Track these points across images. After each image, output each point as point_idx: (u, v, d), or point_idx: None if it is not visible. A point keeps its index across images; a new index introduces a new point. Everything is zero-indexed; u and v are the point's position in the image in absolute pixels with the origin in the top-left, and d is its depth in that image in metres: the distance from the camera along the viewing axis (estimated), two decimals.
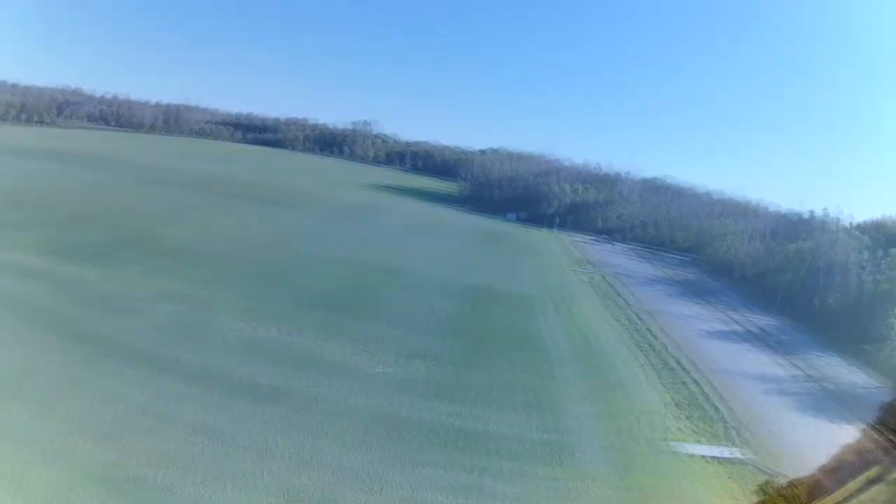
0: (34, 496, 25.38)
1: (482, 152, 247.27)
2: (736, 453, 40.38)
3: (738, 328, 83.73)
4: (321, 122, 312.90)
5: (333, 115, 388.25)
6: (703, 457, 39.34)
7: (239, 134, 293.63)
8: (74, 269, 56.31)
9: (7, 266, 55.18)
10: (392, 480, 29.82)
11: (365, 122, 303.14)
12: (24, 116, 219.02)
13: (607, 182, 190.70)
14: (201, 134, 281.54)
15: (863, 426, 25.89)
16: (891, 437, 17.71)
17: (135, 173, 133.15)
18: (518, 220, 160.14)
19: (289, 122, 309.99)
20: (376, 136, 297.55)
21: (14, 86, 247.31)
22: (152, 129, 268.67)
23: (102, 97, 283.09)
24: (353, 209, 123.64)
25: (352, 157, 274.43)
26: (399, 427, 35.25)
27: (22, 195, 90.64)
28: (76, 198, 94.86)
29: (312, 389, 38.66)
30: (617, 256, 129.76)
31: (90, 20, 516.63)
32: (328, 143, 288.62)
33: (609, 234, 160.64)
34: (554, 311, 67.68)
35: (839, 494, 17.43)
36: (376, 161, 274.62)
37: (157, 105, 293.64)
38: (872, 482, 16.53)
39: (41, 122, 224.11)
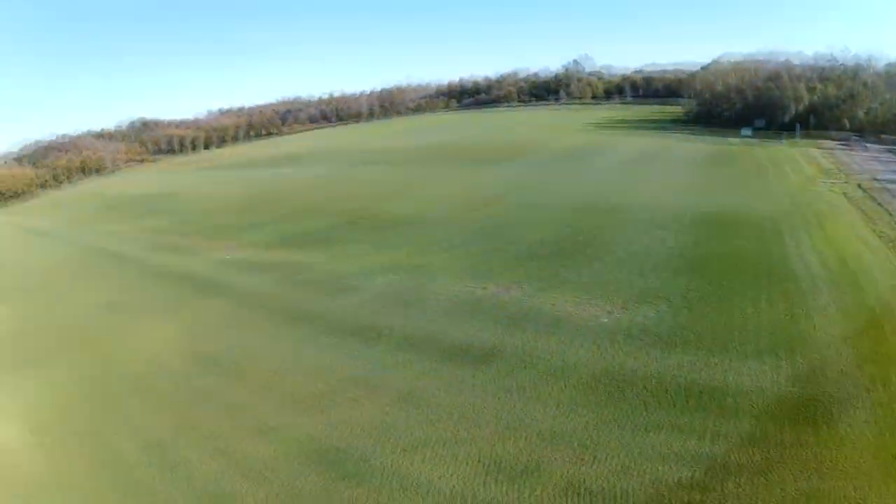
0: (243, 469, 28.64)
1: (704, 67, 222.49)
2: None
3: None
4: (532, 71, 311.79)
5: (544, 61, 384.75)
6: None
7: (454, 101, 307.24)
8: (299, 257, 64.56)
9: (239, 264, 66.33)
10: (609, 448, 26.02)
11: (576, 62, 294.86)
12: (252, 133, 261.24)
13: (847, 74, 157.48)
14: (417, 110, 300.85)
15: None
16: None
17: (353, 159, 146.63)
18: (753, 133, 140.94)
19: (500, 79, 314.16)
20: (591, 74, 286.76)
21: (241, 108, 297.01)
22: (370, 116, 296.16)
23: (320, 98, 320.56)
24: (571, 152, 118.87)
25: (569, 100, 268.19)
26: (622, 383, 31.07)
27: (250, 200, 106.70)
28: (300, 192, 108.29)
29: (528, 346, 36.29)
30: (871, 160, 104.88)
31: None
32: (542, 91, 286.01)
33: (858, 133, 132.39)
34: (804, 233, 55.55)
35: None
36: (595, 99, 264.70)
37: (371, 93, 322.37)
38: None
39: (269, 134, 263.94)
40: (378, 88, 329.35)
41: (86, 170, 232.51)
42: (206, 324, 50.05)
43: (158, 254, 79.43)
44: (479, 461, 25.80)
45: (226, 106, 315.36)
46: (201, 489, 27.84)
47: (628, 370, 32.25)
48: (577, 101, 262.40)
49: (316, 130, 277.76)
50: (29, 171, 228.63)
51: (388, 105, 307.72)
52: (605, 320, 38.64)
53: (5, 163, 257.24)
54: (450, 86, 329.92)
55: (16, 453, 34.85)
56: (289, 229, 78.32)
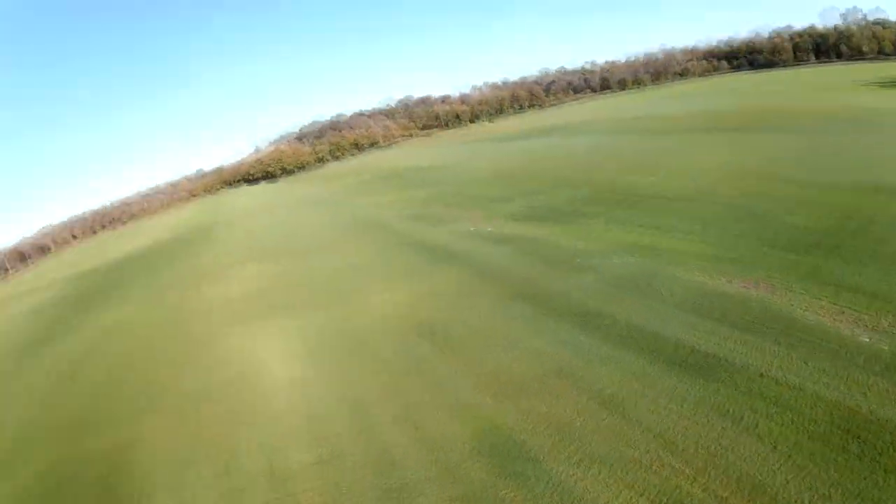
0: (421, 443, 29.57)
1: None
2: None
3: None
4: (809, 25, 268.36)
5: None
6: None
7: (724, 63, 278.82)
8: (540, 231, 63.92)
9: (482, 236, 68.38)
10: None
11: (855, 9, 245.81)
12: (515, 105, 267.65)
13: None
14: (683, 74, 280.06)
15: None
16: None
17: (610, 129, 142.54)
18: None
19: (771, 36, 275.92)
20: (874, 24, 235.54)
21: (504, 82, 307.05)
22: (635, 83, 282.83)
23: (583, 68, 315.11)
24: (852, 118, 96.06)
25: (856, 56, 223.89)
26: (864, 435, 23.10)
27: (506, 172, 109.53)
28: (553, 164, 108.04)
29: (762, 362, 29.69)
30: None
31: None
32: (820, 46, 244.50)
33: None
34: None
35: None
36: (882, 54, 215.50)
37: (635, 59, 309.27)
38: None
39: (532, 106, 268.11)
40: (642, 53, 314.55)
41: (359, 145, 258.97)
42: (436, 293, 52.29)
43: (411, 223, 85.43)
44: (656, 496, 22.04)
45: (490, 80, 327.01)
46: (376, 454, 29.50)
47: (877, 418, 24.18)
48: (864, 57, 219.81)
49: (578, 101, 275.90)
50: (307, 148, 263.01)
51: (652, 71, 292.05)
52: (866, 340, 29.67)
53: (287, 142, 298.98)
54: (717, 46, 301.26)
55: (242, 386, 42.68)
56: (535, 202, 78.30)
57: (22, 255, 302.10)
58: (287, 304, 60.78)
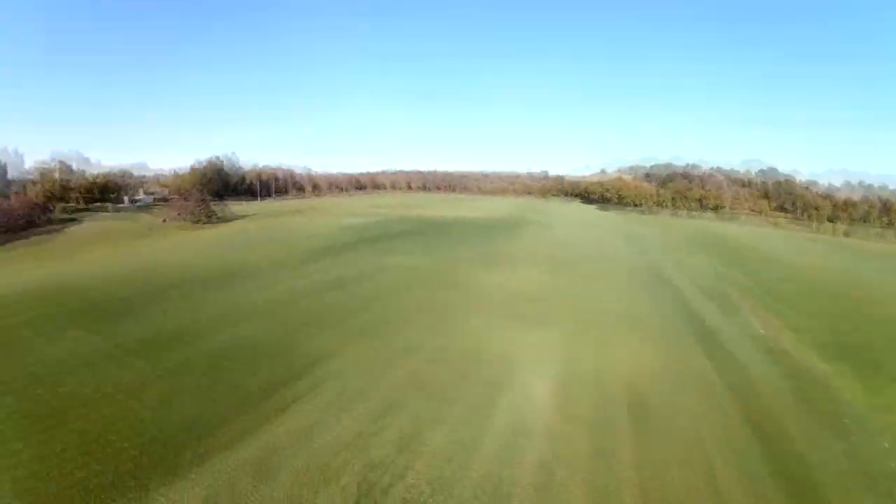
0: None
1: None
2: None
3: None
4: None
5: None
6: None
7: None
8: (826, 365, 53.29)
9: (765, 343, 59.30)
10: None
11: None
12: (884, 219, 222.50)
13: None
14: None
15: None
16: None
17: None
18: None
19: None
20: None
21: (883, 187, 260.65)
22: None
23: None
24: None
25: None
26: None
27: (832, 288, 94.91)
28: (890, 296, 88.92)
29: None
30: None
31: None
32: None
33: None
34: None
35: None
36: None
37: None
38: None
39: None
40: None
41: (703, 204, 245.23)
42: (672, 376, 47.53)
43: (702, 298, 79.98)
44: None
45: (866, 177, 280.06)
46: (491, 489, 29.33)
47: None
48: None
49: None
50: (650, 188, 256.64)
51: None
52: None
53: (635, 175, 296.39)
54: None
55: (447, 362, 43.65)
56: (846, 332, 64.83)
57: (359, 184, 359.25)
58: (541, 317, 62.74)
